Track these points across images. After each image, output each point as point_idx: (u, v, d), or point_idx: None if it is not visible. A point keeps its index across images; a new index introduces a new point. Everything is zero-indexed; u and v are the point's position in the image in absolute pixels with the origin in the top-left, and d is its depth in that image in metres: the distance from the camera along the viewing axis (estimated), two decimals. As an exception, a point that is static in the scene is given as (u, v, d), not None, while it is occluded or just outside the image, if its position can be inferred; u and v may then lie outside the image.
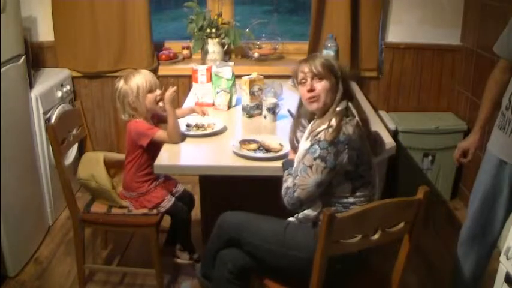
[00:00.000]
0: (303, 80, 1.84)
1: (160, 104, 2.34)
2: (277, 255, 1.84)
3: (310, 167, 1.70)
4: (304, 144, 1.83)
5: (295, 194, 1.74)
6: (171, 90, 2.30)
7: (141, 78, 2.29)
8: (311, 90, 1.82)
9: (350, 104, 1.81)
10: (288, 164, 1.93)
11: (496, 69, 2.09)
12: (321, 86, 1.81)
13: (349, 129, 1.72)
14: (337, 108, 1.78)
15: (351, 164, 1.73)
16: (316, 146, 1.70)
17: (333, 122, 1.73)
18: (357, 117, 1.78)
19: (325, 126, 1.73)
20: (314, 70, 1.81)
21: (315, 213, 1.81)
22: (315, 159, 1.69)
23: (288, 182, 1.81)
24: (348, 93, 1.84)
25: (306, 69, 1.82)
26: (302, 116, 2.00)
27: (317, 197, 1.76)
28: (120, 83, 2.30)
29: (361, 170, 1.76)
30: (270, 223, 1.91)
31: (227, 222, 1.96)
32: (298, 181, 1.73)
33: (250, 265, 1.90)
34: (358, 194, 1.78)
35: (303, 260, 1.75)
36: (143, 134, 2.27)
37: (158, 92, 2.33)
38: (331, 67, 1.82)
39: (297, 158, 1.86)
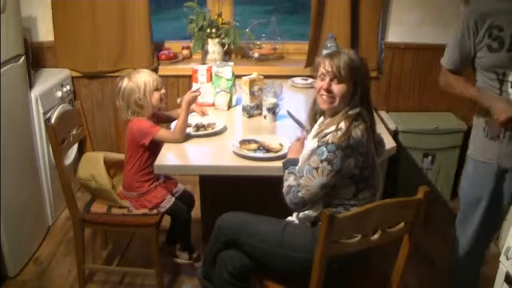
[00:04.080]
0: (322, 76, 1.80)
1: (163, 105, 2.36)
2: (276, 256, 1.84)
3: (316, 169, 1.69)
4: (310, 143, 1.82)
5: (299, 194, 1.73)
6: (195, 93, 2.36)
7: (147, 76, 2.31)
8: (328, 90, 1.78)
9: (364, 110, 1.77)
10: (288, 163, 1.93)
11: (444, 76, 2.09)
12: (338, 89, 1.77)
13: (358, 133, 1.70)
14: (349, 112, 1.75)
15: (357, 168, 1.72)
16: (324, 148, 1.69)
17: (342, 125, 1.71)
18: (368, 123, 1.75)
19: (333, 128, 1.71)
20: (336, 72, 1.76)
21: (315, 213, 1.81)
22: (321, 161, 1.68)
23: (289, 181, 1.81)
24: (365, 98, 1.80)
25: (329, 69, 1.77)
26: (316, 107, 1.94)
27: (320, 198, 1.76)
28: (125, 81, 2.31)
29: (366, 173, 1.76)
30: (268, 224, 1.91)
31: (226, 224, 1.96)
32: (303, 182, 1.73)
33: (249, 266, 1.90)
34: (360, 196, 1.77)
35: (301, 260, 1.75)
36: (146, 133, 2.27)
37: (163, 90, 2.35)
38: (355, 71, 1.76)
39: (302, 156, 1.85)
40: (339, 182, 1.73)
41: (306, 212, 1.83)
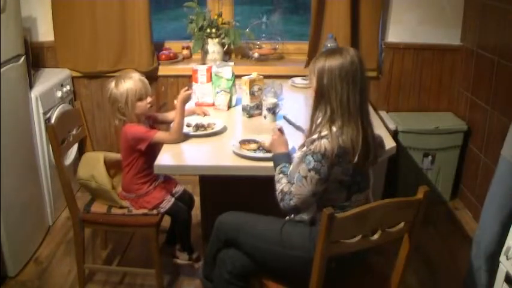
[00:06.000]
0: None
1: (151, 112, 2.34)
2: (274, 255, 1.84)
3: (305, 177, 1.70)
4: (302, 146, 1.81)
5: (292, 202, 1.74)
6: (186, 92, 2.30)
7: (131, 85, 2.25)
8: None
9: (348, 122, 1.70)
10: (278, 159, 1.92)
11: None
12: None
13: (341, 141, 1.68)
14: (330, 121, 1.71)
15: (346, 175, 1.72)
16: (311, 158, 1.69)
17: (324, 133, 1.70)
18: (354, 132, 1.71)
19: (316, 136, 1.71)
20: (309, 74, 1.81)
21: (310, 215, 1.81)
22: (309, 170, 1.69)
23: (282, 184, 1.80)
24: (329, 101, 1.72)
25: None
26: None
27: (313, 202, 1.76)
28: (112, 86, 2.27)
29: (357, 178, 1.75)
30: (266, 223, 1.91)
31: (224, 224, 1.96)
32: (295, 190, 1.73)
33: (249, 265, 1.90)
34: (353, 199, 1.77)
35: (300, 259, 1.76)
36: (141, 138, 2.25)
37: (149, 99, 2.29)
38: (315, 71, 1.75)
39: (295, 158, 1.84)
40: (330, 187, 1.73)
41: (300, 215, 1.84)
